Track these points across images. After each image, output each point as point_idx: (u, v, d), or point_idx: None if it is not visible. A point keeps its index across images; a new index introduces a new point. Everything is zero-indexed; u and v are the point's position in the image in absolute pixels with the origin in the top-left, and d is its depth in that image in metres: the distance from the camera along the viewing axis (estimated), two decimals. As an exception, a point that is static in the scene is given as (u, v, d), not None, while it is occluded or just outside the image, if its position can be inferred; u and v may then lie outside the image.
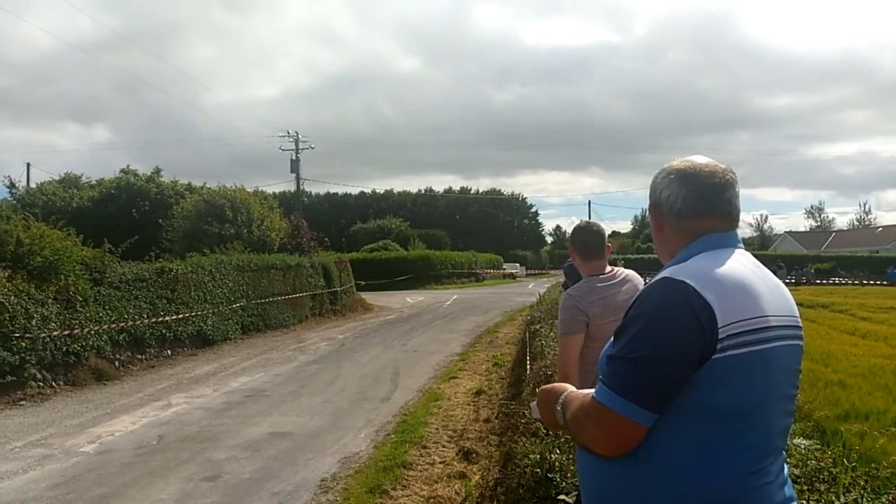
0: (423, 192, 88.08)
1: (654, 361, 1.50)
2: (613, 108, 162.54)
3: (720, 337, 1.52)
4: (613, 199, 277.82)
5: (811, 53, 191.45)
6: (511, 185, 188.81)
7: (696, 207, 1.76)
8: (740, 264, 1.68)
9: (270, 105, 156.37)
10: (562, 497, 3.03)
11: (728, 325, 1.53)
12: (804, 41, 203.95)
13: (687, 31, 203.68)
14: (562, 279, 5.01)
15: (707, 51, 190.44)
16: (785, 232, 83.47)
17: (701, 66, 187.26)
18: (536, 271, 65.88)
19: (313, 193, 77.78)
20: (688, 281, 1.55)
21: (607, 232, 3.80)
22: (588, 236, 3.61)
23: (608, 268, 3.61)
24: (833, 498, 2.62)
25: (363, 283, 32.31)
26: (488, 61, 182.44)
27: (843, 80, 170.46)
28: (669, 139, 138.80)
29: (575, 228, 3.75)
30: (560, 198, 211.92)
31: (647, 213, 1.92)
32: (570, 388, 1.81)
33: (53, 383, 11.04)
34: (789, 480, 1.73)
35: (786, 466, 1.72)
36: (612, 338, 1.67)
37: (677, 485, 1.55)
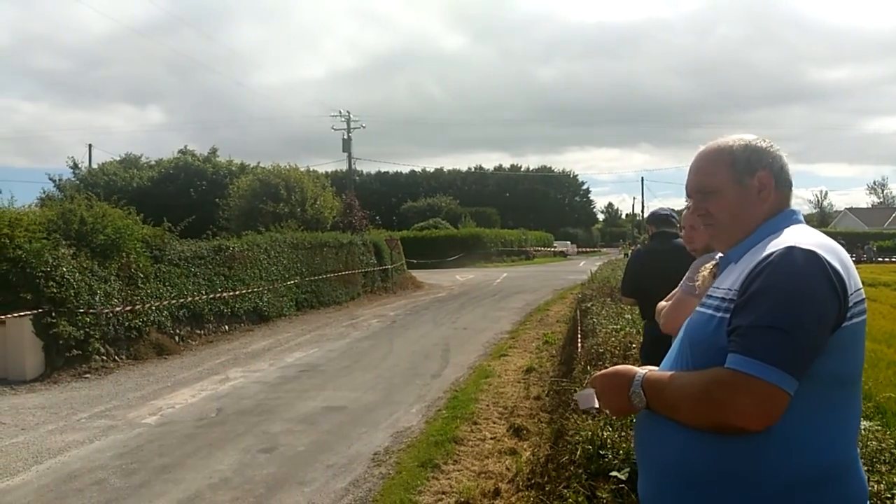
0: (472, 170, 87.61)
1: (802, 329, 1.47)
2: (663, 84, 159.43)
3: (849, 305, 1.55)
4: (665, 175, 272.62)
5: (870, 23, 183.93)
6: (560, 162, 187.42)
7: (790, 181, 1.80)
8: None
9: (318, 85, 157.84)
10: (614, 474, 3.02)
11: (853, 293, 1.56)
12: (862, 11, 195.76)
13: (739, 2, 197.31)
14: (613, 256, 4.81)
15: (760, 23, 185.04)
16: (845, 208, 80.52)
17: (753, 39, 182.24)
18: (588, 249, 65.24)
19: (364, 172, 78.30)
20: (816, 250, 1.54)
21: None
22: None
23: None
24: (895, 479, 2.56)
25: (414, 261, 32.48)
26: (533, 38, 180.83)
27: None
28: (722, 114, 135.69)
29: None
30: (610, 174, 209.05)
31: (748, 181, 1.74)
32: (637, 368, 1.73)
33: (116, 357, 11.44)
34: None
35: None
36: (731, 309, 1.59)
37: (794, 455, 1.52)
